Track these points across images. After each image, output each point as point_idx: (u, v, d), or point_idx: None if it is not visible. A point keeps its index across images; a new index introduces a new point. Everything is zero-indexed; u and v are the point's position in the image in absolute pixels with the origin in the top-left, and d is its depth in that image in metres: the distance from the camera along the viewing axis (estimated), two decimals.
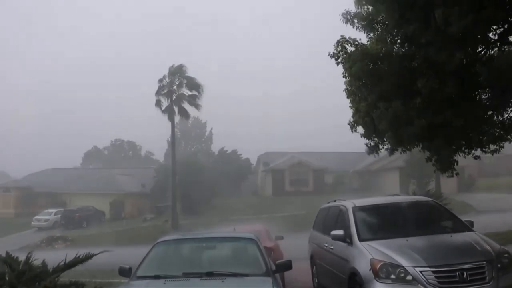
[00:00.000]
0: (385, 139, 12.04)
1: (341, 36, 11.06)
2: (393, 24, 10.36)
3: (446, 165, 12.14)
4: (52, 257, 7.16)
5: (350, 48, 10.94)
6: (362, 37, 11.74)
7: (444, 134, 10.58)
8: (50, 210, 41.82)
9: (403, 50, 10.87)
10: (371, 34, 11.37)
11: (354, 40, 11.06)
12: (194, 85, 35.39)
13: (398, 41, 11.06)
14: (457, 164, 12.40)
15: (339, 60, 11.11)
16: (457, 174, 12.68)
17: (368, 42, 11.45)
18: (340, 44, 11.00)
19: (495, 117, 11.37)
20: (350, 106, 12.41)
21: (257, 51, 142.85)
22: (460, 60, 9.53)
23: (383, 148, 12.78)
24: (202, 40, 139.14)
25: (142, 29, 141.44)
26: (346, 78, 11.70)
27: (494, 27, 9.90)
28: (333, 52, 11.12)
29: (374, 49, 10.63)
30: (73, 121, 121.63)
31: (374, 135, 12.22)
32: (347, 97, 12.28)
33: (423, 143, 11.51)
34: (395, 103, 10.22)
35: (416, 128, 10.06)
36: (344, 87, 12.34)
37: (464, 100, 10.31)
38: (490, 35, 10.25)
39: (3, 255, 6.56)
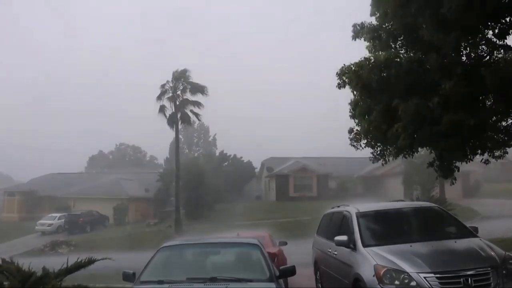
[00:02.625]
0: (388, 147, 12.04)
1: (340, 68, 11.42)
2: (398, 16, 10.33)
3: (448, 171, 12.09)
4: (56, 261, 7.17)
5: (355, 65, 11.07)
6: (367, 47, 11.95)
7: (461, 133, 10.52)
8: (54, 215, 41.85)
9: (409, 54, 10.91)
10: (376, 42, 11.47)
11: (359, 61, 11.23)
12: (198, 88, 35.32)
13: (404, 47, 11.14)
14: (458, 171, 12.35)
15: (344, 81, 11.26)
16: (454, 179, 12.66)
17: (373, 50, 11.56)
18: (343, 69, 11.22)
19: (499, 122, 11.35)
20: (356, 123, 12.49)
21: (260, 56, 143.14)
22: (455, 41, 9.48)
23: (389, 156, 12.76)
24: (206, 44, 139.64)
25: (148, 34, 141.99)
26: (354, 95, 11.84)
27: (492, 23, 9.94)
28: (338, 82, 11.44)
29: (382, 56, 10.65)
30: (78, 125, 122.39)
31: (379, 144, 12.24)
32: (354, 117, 12.39)
33: (439, 143, 11.31)
34: (415, 99, 10.17)
35: (444, 125, 9.97)
36: (349, 114, 12.61)
37: (473, 102, 10.31)
38: (491, 35, 10.29)
39: (6, 259, 6.57)
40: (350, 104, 12.47)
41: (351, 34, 12.11)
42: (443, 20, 9.16)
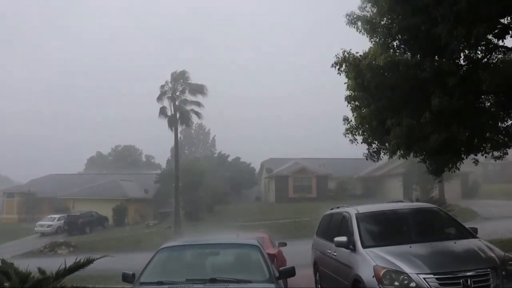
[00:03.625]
0: (386, 144, 12.02)
1: (343, 50, 11.22)
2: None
3: (439, 170, 12.09)
4: (55, 263, 7.16)
5: (353, 58, 10.97)
6: (365, 40, 11.86)
7: (453, 147, 10.54)
8: (53, 216, 41.77)
9: (408, 58, 10.85)
10: (374, 38, 11.39)
11: (356, 54, 11.15)
12: (197, 88, 35.25)
13: (402, 46, 11.08)
14: (454, 171, 12.34)
15: (342, 69, 11.16)
16: (441, 179, 12.69)
17: (371, 48, 11.48)
18: (343, 54, 11.08)
19: (499, 123, 11.34)
20: (351, 110, 12.37)
21: (261, 58, 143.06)
22: (475, 38, 9.30)
23: (384, 154, 12.75)
24: (206, 48, 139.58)
25: (146, 33, 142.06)
26: (348, 87, 11.75)
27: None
28: (334, 62, 11.22)
29: (381, 60, 10.61)
30: (77, 126, 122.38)
31: (376, 141, 12.21)
32: (348, 102, 12.25)
33: (434, 157, 11.38)
34: (407, 120, 10.17)
35: (432, 143, 9.99)
36: (345, 94, 12.39)
37: (469, 109, 10.28)
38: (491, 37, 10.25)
39: (6, 260, 6.55)
40: (346, 88, 12.29)
41: (345, 21, 11.85)
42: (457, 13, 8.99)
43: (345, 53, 11.15)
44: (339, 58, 11.19)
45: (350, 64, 10.96)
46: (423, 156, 12.04)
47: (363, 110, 11.81)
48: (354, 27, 11.68)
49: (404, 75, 10.33)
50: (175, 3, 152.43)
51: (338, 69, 11.29)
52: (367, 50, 11.35)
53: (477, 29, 8.96)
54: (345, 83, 11.72)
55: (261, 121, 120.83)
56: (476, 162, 12.16)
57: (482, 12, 8.76)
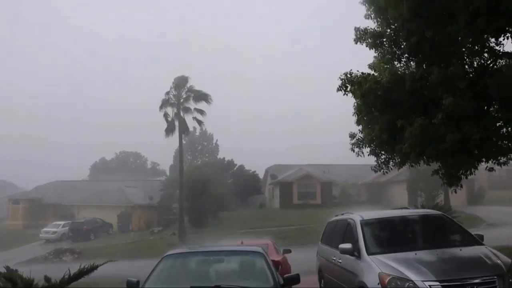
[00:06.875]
0: (394, 155, 12.00)
1: (345, 73, 11.44)
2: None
3: (454, 179, 12.03)
4: (60, 269, 7.17)
5: (357, 77, 11.15)
6: (371, 54, 12.04)
7: (467, 149, 10.50)
8: (58, 222, 42.01)
9: (413, 70, 10.90)
10: (379, 50, 11.50)
11: (363, 74, 11.33)
12: (201, 96, 35.34)
13: (407, 56, 11.14)
14: (466, 178, 12.28)
15: (348, 90, 11.40)
16: (461, 186, 12.66)
17: (375, 62, 11.61)
18: (345, 76, 11.32)
19: (504, 129, 11.30)
20: (360, 130, 12.46)
21: (263, 64, 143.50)
22: (467, 47, 9.43)
23: (394, 165, 12.71)
24: (208, 53, 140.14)
25: (149, 40, 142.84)
26: (355, 106, 11.88)
27: (500, 38, 9.98)
28: (339, 86, 11.47)
29: (384, 79, 10.70)
30: (81, 132, 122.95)
31: (383, 152, 12.21)
32: (357, 123, 12.35)
33: (448, 159, 11.34)
34: (420, 120, 10.17)
35: (448, 144, 9.93)
36: (353, 105, 12.49)
37: (479, 113, 10.27)
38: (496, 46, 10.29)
39: (10, 267, 6.57)
40: (354, 108, 12.43)
41: (353, 37, 12.05)
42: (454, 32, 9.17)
43: (347, 75, 11.39)
44: (343, 80, 11.45)
45: (354, 84, 11.15)
46: (435, 162, 11.93)
47: (370, 127, 11.85)
48: (361, 43, 11.89)
49: (410, 89, 10.38)
50: (187, 11, 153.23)
51: (345, 90, 11.54)
52: (371, 63, 11.55)
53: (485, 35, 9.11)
54: (354, 103, 11.87)
55: (265, 129, 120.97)
56: (491, 169, 12.09)
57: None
